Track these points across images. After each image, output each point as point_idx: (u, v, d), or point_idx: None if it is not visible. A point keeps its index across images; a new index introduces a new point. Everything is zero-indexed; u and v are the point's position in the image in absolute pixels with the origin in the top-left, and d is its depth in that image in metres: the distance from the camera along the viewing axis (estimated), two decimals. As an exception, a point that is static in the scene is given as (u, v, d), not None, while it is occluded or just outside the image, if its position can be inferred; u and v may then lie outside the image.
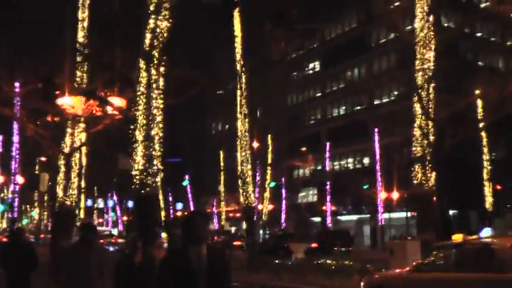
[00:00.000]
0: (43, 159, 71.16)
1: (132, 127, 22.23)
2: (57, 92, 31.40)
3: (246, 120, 43.73)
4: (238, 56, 43.57)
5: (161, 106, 22.32)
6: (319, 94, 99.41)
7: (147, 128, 21.89)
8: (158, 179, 22.17)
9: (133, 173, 21.89)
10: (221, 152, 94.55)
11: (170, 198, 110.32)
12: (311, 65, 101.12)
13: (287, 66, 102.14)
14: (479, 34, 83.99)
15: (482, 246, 14.38)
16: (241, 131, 43.27)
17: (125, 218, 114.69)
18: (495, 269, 12.92)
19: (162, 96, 22.34)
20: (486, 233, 28.06)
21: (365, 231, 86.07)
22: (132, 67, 23.76)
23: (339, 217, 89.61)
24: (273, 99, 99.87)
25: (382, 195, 77.24)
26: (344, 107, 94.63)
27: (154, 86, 22.08)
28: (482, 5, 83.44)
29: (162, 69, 22.31)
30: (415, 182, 33.19)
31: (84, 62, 32.03)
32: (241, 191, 43.22)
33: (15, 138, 56.33)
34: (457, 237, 15.78)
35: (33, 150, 60.40)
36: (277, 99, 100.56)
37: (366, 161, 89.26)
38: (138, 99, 22.05)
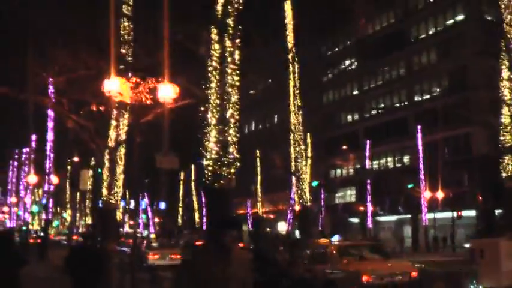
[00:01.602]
0: (75, 159, 68.14)
1: (202, 108, 18.57)
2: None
3: (300, 113, 40.08)
4: (290, 45, 39.88)
5: (237, 84, 18.61)
6: (356, 92, 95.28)
7: (221, 109, 18.19)
8: (233, 169, 18.45)
9: (205, 162, 18.21)
10: (257, 151, 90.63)
11: (203, 199, 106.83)
12: (347, 62, 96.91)
13: (322, 63, 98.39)
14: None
15: None
16: (294, 124, 39.63)
17: (156, 219, 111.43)
18: None
19: (238, 72, 18.64)
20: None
21: (405, 231, 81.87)
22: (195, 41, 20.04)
23: (377, 218, 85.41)
24: (308, 96, 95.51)
25: (426, 194, 73.14)
26: (382, 105, 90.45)
27: (229, 60, 18.38)
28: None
29: (237, 40, 18.60)
30: (504, 174, 29.05)
31: (129, 43, 28.20)
32: (295, 189, 39.64)
33: (49, 136, 53.13)
34: None
35: (67, 149, 57.18)
36: (312, 97, 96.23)
37: (406, 159, 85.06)
38: (209, 75, 18.36)
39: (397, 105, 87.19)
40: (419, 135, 74.16)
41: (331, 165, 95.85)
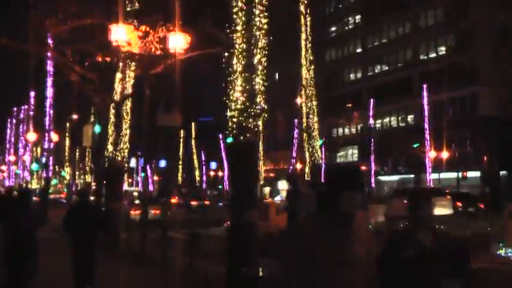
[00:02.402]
0: (74, 117, 66.18)
1: (227, 54, 16.56)
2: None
3: (312, 67, 38.02)
4: (302, -5, 37.66)
5: (265, 27, 16.57)
6: (360, 50, 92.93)
7: (248, 54, 16.18)
8: (260, 122, 16.53)
9: (229, 114, 16.26)
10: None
11: (203, 158, 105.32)
12: (351, 19, 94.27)
13: (326, 20, 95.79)
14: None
15: None
16: (306, 79, 37.55)
17: (155, 177, 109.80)
18: None
19: (266, 14, 16.61)
20: None
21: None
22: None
23: (379, 177, 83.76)
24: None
25: (431, 154, 71.51)
26: (387, 64, 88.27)
27: (256, 0, 16.34)
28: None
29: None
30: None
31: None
32: (307, 146, 37.76)
33: (49, 92, 51.06)
34: None
35: (67, 106, 55.19)
36: (315, 54, 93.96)
37: (410, 119, 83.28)
38: (235, 17, 16.27)
39: (402, 64, 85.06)
40: (425, 94, 72.34)
41: (333, 124, 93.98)
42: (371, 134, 73.90)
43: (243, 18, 16.15)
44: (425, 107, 72.05)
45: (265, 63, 16.31)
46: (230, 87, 16.04)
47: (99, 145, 33.86)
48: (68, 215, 13.02)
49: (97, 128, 36.25)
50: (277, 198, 68.80)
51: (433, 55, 79.48)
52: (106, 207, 28.41)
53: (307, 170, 36.41)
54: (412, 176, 78.01)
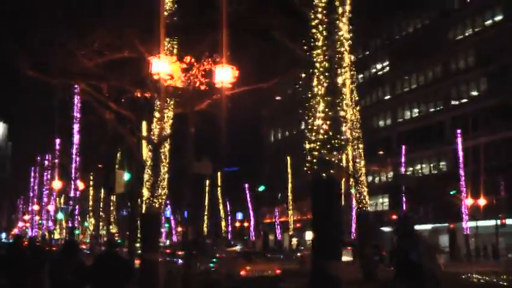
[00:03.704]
0: (99, 166, 63.87)
1: (303, 75, 13.76)
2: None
3: (358, 108, 35.26)
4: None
5: (350, 42, 13.79)
6: (389, 96, 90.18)
7: (331, 74, 13.35)
8: (344, 156, 13.61)
9: (308, 146, 13.39)
10: (288, 157, 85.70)
11: (228, 208, 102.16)
12: (379, 66, 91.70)
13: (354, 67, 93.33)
14: None
15: None
16: (352, 121, 34.62)
17: (179, 229, 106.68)
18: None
19: (350, 27, 13.83)
20: None
21: (441, 240, 76.66)
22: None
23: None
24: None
25: (467, 201, 68.23)
26: (417, 109, 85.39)
27: (340, 10, 13.58)
28: None
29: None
30: None
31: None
32: (353, 192, 34.72)
33: (76, 138, 48.72)
34: None
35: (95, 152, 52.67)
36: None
37: (443, 165, 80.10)
38: (314, 31, 13.51)
39: (433, 109, 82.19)
40: (460, 139, 69.48)
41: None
42: (407, 180, 70.57)
43: (324, 33, 13.37)
44: (460, 153, 69.19)
45: (351, 85, 13.40)
46: (310, 114, 13.16)
47: (133, 191, 31.01)
48: (95, 264, 12.26)
49: (126, 175, 33.50)
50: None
51: (465, 100, 76.45)
52: (142, 259, 25.65)
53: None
54: (445, 224, 74.66)
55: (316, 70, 13.29)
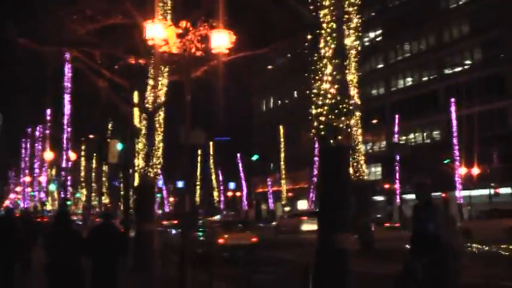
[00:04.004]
0: (91, 136, 63.17)
1: (309, 37, 13.00)
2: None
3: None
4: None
5: (358, 2, 13.03)
6: (382, 65, 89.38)
7: (338, 35, 12.60)
8: (353, 121, 12.90)
9: (315, 111, 12.70)
10: (281, 127, 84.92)
11: (220, 178, 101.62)
12: (372, 35, 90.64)
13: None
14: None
15: None
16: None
17: (171, 199, 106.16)
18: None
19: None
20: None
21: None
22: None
23: (404, 196, 79.70)
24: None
25: (461, 170, 67.85)
26: (410, 78, 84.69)
27: (346, -32, 12.80)
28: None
29: None
30: None
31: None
32: (350, 161, 34.05)
33: (67, 109, 47.88)
34: None
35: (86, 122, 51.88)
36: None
37: (436, 135, 79.66)
38: (321, -10, 12.74)
39: (426, 78, 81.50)
40: (453, 109, 68.93)
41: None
42: (401, 149, 69.96)
43: (332, -8, 12.60)
44: (454, 122, 68.70)
45: (359, 47, 12.71)
46: (316, 77, 12.43)
47: (127, 161, 30.28)
48: (90, 236, 12.06)
49: (119, 145, 32.73)
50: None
51: (458, 69, 75.74)
52: (137, 230, 25.09)
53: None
54: (439, 193, 74.24)
55: (323, 31, 12.55)
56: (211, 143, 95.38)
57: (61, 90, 47.81)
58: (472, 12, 72.80)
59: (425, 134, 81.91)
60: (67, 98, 46.13)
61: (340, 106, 12.46)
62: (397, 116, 75.70)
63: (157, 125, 25.13)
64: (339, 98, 12.47)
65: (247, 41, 25.00)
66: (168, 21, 21.72)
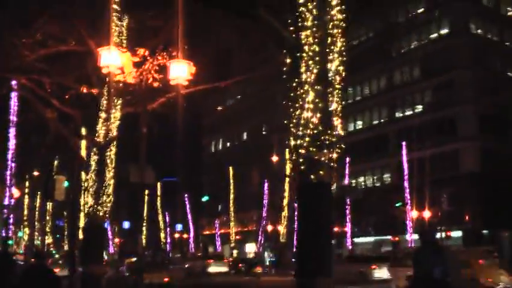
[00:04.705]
0: (35, 173, 61.04)
1: (288, 60, 11.75)
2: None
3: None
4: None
5: (343, 25, 11.83)
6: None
7: (321, 59, 11.36)
8: (335, 154, 11.62)
9: (294, 142, 11.38)
10: (230, 168, 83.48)
11: (167, 219, 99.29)
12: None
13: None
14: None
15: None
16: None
17: (116, 240, 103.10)
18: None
19: (343, 7, 11.89)
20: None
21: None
22: None
23: (353, 239, 78.77)
24: (281, 111, 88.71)
25: (412, 214, 67.29)
26: (361, 121, 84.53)
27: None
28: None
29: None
30: None
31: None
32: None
33: (12, 143, 45.65)
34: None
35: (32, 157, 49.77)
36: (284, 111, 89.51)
37: (386, 177, 79.32)
38: (302, 9, 11.52)
39: (377, 121, 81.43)
40: (404, 152, 68.67)
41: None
42: (353, 192, 69.22)
43: (314, 11, 11.37)
44: (405, 165, 68.35)
45: (343, 73, 11.44)
46: (296, 105, 11.12)
47: (74, 199, 28.46)
48: (23, 277, 11.83)
49: (66, 182, 30.85)
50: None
51: (409, 112, 75.91)
52: (85, 272, 23.33)
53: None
54: (389, 237, 73.79)
55: (304, 54, 11.29)
56: (158, 183, 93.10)
57: (5, 123, 45.60)
58: (423, 55, 73.19)
59: (376, 177, 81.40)
60: (12, 132, 43.90)
61: (323, 137, 11.18)
62: (347, 159, 75.01)
63: (108, 161, 23.56)
64: (321, 128, 11.17)
65: (207, 74, 23.76)
66: (124, 49, 20.31)
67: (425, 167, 66.31)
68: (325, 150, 11.17)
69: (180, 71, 19.62)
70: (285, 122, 11.50)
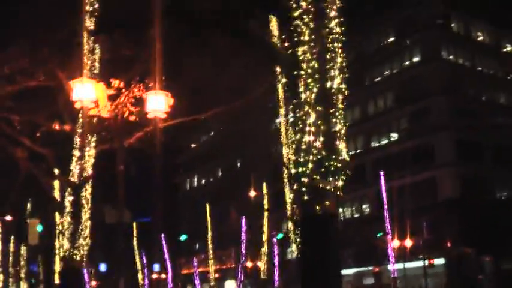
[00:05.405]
0: (8, 218, 59.02)
1: (284, 81, 10.57)
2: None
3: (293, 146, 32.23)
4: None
5: (343, 38, 10.68)
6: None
7: (321, 76, 10.19)
8: (340, 182, 10.38)
9: (294, 170, 10.13)
10: (207, 205, 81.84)
11: (144, 260, 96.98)
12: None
13: (271, 112, 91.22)
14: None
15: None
16: (288, 159, 31.48)
17: (93, 283, 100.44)
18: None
19: (342, 19, 10.76)
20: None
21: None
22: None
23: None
24: (256, 146, 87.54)
25: (394, 243, 66.11)
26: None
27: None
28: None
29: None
30: None
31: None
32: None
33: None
34: None
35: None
36: (260, 146, 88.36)
37: (365, 208, 78.32)
38: (298, 22, 10.38)
39: (353, 152, 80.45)
40: (382, 181, 67.65)
41: (282, 218, 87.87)
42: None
43: (311, 25, 10.23)
44: (384, 195, 67.31)
45: (346, 91, 10.24)
46: (297, 128, 9.90)
47: (48, 243, 26.92)
48: None
49: (40, 226, 29.43)
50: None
51: (385, 141, 75.23)
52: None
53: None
54: (370, 268, 72.64)
55: (302, 72, 10.11)
56: (134, 224, 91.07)
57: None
58: (397, 83, 72.83)
59: (354, 208, 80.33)
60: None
61: (327, 163, 9.95)
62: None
63: (84, 201, 22.11)
64: (324, 153, 9.96)
65: (185, 106, 22.53)
66: (97, 81, 19.03)
67: (405, 195, 65.51)
68: (330, 178, 9.92)
69: (158, 103, 18.35)
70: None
